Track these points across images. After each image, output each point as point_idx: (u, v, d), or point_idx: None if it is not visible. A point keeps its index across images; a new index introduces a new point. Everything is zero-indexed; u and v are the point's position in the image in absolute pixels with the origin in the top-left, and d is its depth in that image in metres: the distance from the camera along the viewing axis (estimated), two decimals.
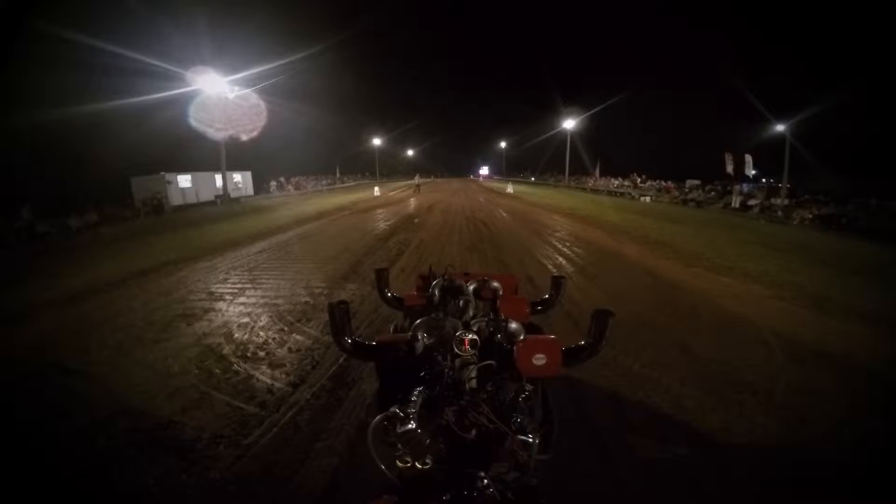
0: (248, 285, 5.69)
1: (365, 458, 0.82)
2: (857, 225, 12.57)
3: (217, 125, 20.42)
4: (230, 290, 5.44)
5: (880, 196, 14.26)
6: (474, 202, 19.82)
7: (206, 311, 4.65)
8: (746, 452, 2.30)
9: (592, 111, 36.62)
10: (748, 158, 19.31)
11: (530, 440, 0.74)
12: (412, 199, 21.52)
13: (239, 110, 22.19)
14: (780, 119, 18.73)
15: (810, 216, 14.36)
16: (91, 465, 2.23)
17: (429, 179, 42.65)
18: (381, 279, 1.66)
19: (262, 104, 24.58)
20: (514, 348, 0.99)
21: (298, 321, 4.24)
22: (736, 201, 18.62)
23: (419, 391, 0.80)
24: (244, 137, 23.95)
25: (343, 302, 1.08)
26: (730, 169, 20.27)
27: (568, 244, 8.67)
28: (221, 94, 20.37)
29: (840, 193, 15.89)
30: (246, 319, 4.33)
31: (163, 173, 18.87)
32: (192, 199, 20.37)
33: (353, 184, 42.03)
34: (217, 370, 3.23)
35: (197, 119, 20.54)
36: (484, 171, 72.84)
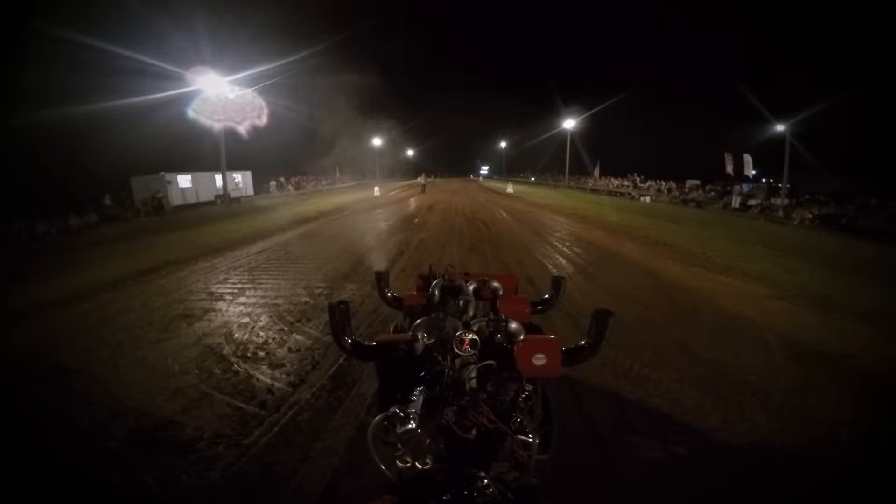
0: (248, 285, 5.69)
1: (365, 458, 0.82)
2: (857, 225, 12.57)
3: (216, 122, 20.41)
4: (230, 291, 5.45)
5: (880, 196, 14.24)
6: (474, 202, 19.80)
7: (206, 311, 4.65)
8: (746, 452, 2.30)
9: (593, 111, 36.52)
10: (748, 158, 19.31)
11: (530, 440, 0.74)
12: (412, 200, 21.50)
13: (238, 110, 22.17)
14: (780, 119, 18.72)
15: (810, 216, 14.36)
16: (91, 465, 2.24)
17: (430, 179, 42.66)
18: (381, 280, 1.67)
19: (262, 104, 24.55)
20: (514, 348, 0.98)
21: (298, 321, 4.24)
22: (736, 201, 18.61)
23: (419, 391, 0.80)
24: (244, 136, 23.95)
25: (343, 302, 1.08)
26: (730, 169, 20.28)
27: (568, 244, 8.67)
28: (221, 94, 20.35)
29: (840, 193, 15.86)
30: (246, 319, 4.34)
31: (163, 173, 18.88)
32: (192, 199, 20.40)
33: (352, 184, 41.93)
34: (217, 370, 3.23)
35: (197, 118, 20.53)
36: (484, 170, 72.86)
